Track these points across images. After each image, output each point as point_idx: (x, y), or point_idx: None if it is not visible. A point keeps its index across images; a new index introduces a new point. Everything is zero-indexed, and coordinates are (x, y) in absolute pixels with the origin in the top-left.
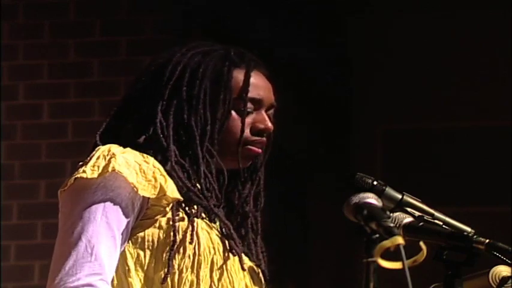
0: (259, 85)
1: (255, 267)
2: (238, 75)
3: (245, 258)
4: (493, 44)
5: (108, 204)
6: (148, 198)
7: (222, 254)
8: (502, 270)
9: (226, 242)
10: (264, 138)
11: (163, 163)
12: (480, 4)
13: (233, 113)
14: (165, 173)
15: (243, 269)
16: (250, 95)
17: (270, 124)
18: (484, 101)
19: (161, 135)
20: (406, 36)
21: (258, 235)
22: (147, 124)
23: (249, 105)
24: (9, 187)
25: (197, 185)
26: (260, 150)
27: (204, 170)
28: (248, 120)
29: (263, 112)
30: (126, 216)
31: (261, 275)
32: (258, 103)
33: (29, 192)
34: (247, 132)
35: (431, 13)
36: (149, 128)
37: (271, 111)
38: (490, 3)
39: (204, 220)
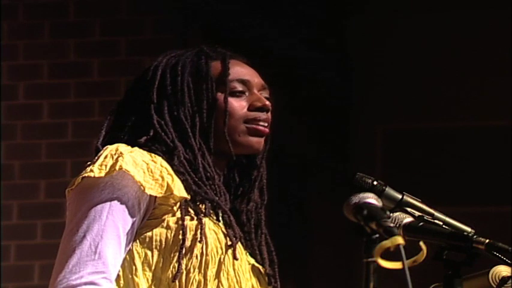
0: (240, 68)
1: (260, 268)
2: (216, 64)
3: (251, 259)
4: (493, 44)
5: (115, 203)
6: (156, 197)
7: (229, 255)
8: (502, 270)
9: (227, 229)
10: (266, 114)
11: (169, 161)
12: (480, 4)
13: (219, 97)
14: (172, 172)
15: (235, 259)
16: (234, 76)
17: (267, 102)
18: (484, 101)
19: (162, 134)
20: (406, 36)
21: (263, 233)
22: (146, 128)
23: (239, 87)
24: (9, 187)
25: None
26: (266, 130)
27: (200, 160)
28: (243, 102)
29: (256, 92)
30: (132, 216)
31: (265, 276)
32: (246, 84)
33: (29, 192)
34: (245, 111)
35: (431, 13)
36: (148, 130)
37: (265, 94)
38: (490, 3)
39: (212, 219)
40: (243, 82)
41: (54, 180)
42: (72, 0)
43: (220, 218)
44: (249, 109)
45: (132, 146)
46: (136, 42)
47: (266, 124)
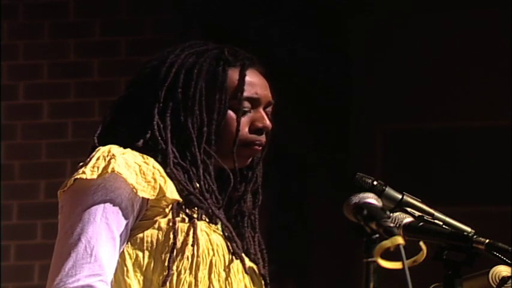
0: (255, 83)
1: (254, 268)
2: (234, 74)
3: (245, 259)
4: (493, 44)
5: (108, 205)
6: (148, 199)
7: (221, 256)
8: (502, 270)
9: (228, 243)
10: (263, 137)
11: (163, 165)
12: (480, 4)
13: (230, 112)
14: (164, 174)
15: (246, 273)
16: (246, 94)
17: (268, 122)
18: (483, 100)
19: (159, 138)
20: (406, 36)
21: (256, 233)
22: (145, 127)
23: (246, 104)
24: (9, 187)
25: (197, 186)
26: (259, 149)
27: (202, 171)
28: (246, 119)
29: (261, 110)
30: (126, 217)
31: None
32: (255, 102)
33: (29, 192)
34: (246, 131)
35: (431, 13)
36: (147, 130)
37: (269, 109)
38: (490, 3)
39: (204, 221)
40: (252, 100)
41: (54, 180)
42: (72, 0)
43: (219, 227)
44: (250, 129)
45: (130, 144)
46: (136, 42)
47: (261, 146)
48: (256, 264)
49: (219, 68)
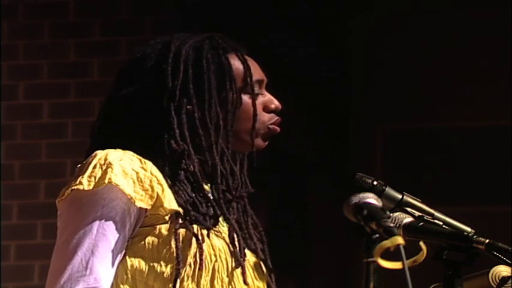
0: (255, 66)
1: (254, 259)
2: (233, 60)
3: (248, 253)
4: (493, 44)
5: (105, 216)
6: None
7: (223, 260)
8: (502, 270)
9: (231, 246)
10: (277, 116)
11: (176, 171)
12: (480, 4)
13: (244, 98)
14: (162, 181)
15: (246, 284)
16: (255, 77)
17: (278, 103)
18: (483, 100)
19: (180, 141)
20: (406, 35)
21: (248, 216)
22: (160, 128)
23: (257, 88)
24: (9, 187)
25: (210, 188)
26: (278, 128)
27: (221, 169)
28: (259, 101)
29: (266, 92)
30: (123, 228)
31: (263, 267)
32: (261, 83)
33: (29, 192)
34: (263, 114)
35: (431, 13)
36: (163, 131)
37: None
38: (490, 3)
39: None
40: (260, 82)
41: (54, 180)
42: (72, 0)
43: (223, 227)
44: (264, 111)
45: (130, 146)
46: (136, 42)
47: (278, 125)
48: (256, 252)
49: (221, 57)
